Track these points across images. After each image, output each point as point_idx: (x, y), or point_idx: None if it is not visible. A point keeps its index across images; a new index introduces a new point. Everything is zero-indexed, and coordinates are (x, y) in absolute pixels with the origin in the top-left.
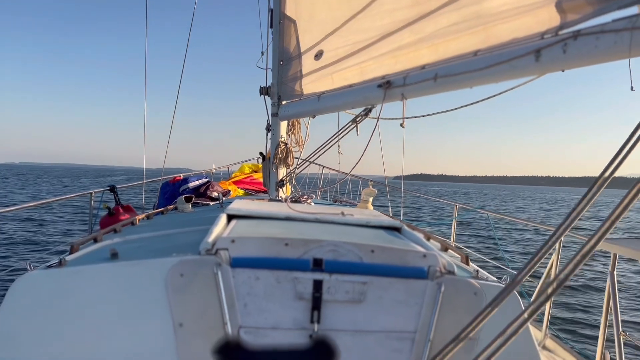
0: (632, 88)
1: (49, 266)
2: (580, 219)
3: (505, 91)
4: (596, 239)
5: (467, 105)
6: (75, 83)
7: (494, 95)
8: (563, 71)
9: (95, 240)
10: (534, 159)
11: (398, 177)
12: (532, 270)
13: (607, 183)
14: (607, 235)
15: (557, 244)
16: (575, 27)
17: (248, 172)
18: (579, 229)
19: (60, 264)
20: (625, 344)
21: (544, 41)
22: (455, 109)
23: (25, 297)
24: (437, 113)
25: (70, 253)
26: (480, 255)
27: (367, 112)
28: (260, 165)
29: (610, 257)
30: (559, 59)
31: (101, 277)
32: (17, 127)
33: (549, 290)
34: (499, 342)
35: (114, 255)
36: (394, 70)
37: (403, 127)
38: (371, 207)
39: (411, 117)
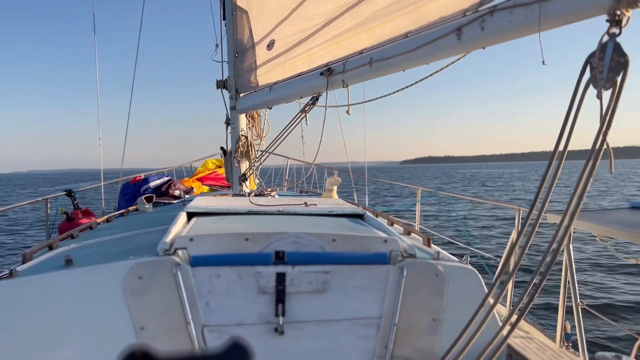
0: (543, 62)
1: None
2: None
3: (436, 72)
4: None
5: (401, 90)
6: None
7: (425, 78)
8: (484, 48)
9: (51, 248)
10: (547, 132)
11: (405, 162)
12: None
13: (563, 160)
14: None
15: (516, 221)
16: (493, 3)
17: (212, 167)
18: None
19: (10, 274)
20: (583, 313)
21: (465, 18)
22: (391, 93)
23: None
24: (377, 98)
25: (23, 263)
26: (445, 237)
27: (314, 100)
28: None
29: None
30: (478, 37)
31: (54, 286)
32: (20, 135)
33: (510, 269)
34: (469, 332)
35: (68, 262)
36: (337, 57)
37: (349, 115)
38: (336, 196)
39: (355, 104)
